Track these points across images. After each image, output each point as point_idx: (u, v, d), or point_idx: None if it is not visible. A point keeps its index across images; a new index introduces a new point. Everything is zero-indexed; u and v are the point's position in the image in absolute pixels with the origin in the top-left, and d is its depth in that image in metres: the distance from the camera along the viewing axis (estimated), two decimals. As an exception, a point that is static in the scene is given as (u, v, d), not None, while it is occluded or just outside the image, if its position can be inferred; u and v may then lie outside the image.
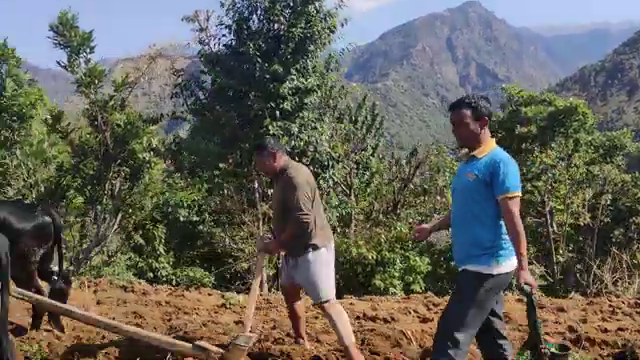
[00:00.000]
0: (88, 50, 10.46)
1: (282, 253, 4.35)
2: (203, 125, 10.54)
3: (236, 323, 5.98)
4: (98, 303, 6.89)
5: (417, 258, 13.38)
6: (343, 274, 13.20)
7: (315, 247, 3.88)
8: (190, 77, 10.62)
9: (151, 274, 13.03)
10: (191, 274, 8.93)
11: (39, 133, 12.33)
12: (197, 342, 4.00)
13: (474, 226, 2.95)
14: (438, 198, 15.32)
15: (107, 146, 11.03)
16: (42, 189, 12.02)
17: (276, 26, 9.30)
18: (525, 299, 3.04)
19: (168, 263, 13.42)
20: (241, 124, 9.68)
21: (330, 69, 10.11)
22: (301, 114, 9.82)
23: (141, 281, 8.47)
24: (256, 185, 10.03)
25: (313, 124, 10.08)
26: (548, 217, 15.37)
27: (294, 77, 9.44)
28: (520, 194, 2.90)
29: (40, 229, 4.35)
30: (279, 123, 9.35)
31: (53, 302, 4.31)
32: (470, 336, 2.94)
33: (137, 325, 5.46)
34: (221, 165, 9.82)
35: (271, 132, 9.26)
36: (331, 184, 10.37)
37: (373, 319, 5.95)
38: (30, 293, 4.18)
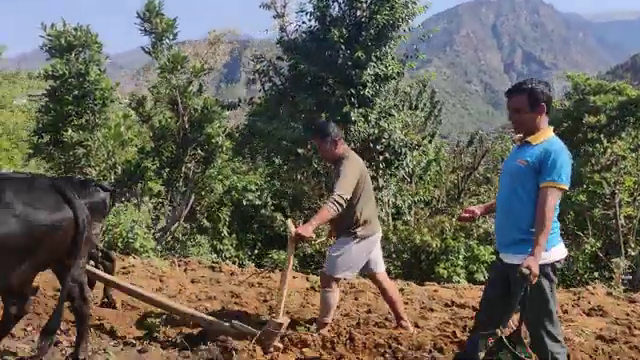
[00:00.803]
0: (171, 36, 10.80)
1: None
2: (278, 111, 10.69)
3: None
4: (192, 282, 7.20)
5: (481, 247, 13.28)
6: (405, 261, 13.25)
7: (354, 236, 4.03)
8: (268, 63, 10.78)
9: (215, 255, 13.44)
10: (275, 257, 9.17)
11: (116, 116, 12.83)
12: (233, 322, 4.07)
13: (519, 211, 2.89)
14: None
15: (185, 130, 11.41)
16: (119, 171, 12.54)
17: (358, 13, 9.31)
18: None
19: (231, 245, 13.80)
20: (319, 110, 9.79)
21: (409, 56, 10.07)
22: (378, 101, 9.86)
23: (227, 262, 8.79)
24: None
25: (388, 111, 10.10)
26: (617, 209, 14.92)
27: (375, 64, 9.46)
28: (565, 187, 2.81)
29: (96, 204, 4.45)
30: (360, 110, 9.42)
31: (107, 276, 4.56)
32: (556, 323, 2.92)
33: (237, 305, 5.70)
34: (300, 151, 9.98)
35: (352, 119, 9.33)
36: (405, 173, 10.39)
37: (462, 306, 6.01)
38: (93, 269, 4.43)
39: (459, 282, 10.70)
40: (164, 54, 10.74)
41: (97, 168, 12.34)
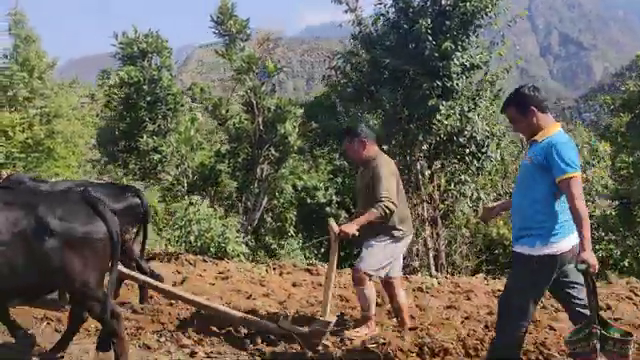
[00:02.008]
0: (245, 37, 10.70)
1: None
2: (355, 107, 10.45)
3: (446, 307, 5.88)
4: (294, 286, 7.04)
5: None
6: (481, 255, 12.85)
7: (391, 237, 4.05)
8: (344, 59, 10.54)
9: (282, 254, 13.33)
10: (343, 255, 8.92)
11: (184, 121, 12.85)
12: (280, 322, 4.14)
13: (527, 207, 3.03)
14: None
15: (260, 131, 11.32)
16: (190, 175, 12.56)
17: (443, 1, 8.95)
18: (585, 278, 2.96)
19: (297, 245, 13.68)
20: (403, 104, 9.49)
21: (495, 43, 9.65)
22: (464, 92, 9.49)
23: (322, 264, 8.62)
24: (419, 167, 9.87)
25: (473, 101, 9.71)
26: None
27: (462, 54, 9.09)
28: (578, 174, 2.88)
29: (131, 209, 4.69)
30: (449, 102, 9.08)
31: (149, 280, 4.58)
32: (528, 312, 3.08)
33: (351, 309, 5.49)
34: (384, 147, 9.70)
35: (442, 112, 9.01)
36: (490, 165, 10.00)
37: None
38: (132, 272, 4.53)
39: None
40: (238, 55, 10.63)
41: (172, 173, 12.41)
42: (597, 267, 2.82)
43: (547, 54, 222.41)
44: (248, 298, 6.18)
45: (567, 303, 3.25)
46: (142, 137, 11.71)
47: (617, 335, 2.89)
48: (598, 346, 2.87)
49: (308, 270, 8.27)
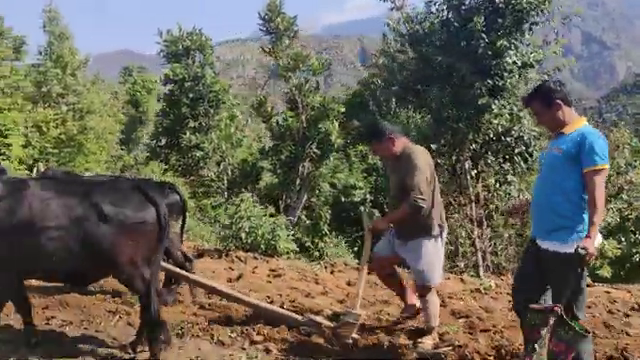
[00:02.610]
0: (292, 35, 10.71)
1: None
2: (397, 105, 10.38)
3: (510, 309, 5.79)
4: (349, 284, 7.00)
5: (604, 241, 12.53)
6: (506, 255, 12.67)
7: (429, 233, 3.88)
8: (389, 57, 10.48)
9: (317, 253, 13.36)
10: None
11: (224, 118, 12.95)
12: (309, 315, 4.18)
13: (556, 199, 2.98)
14: (623, 178, 14.14)
15: (304, 129, 11.34)
16: (229, 171, 12.64)
17: (497, -1, 8.84)
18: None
19: (332, 242, 13.68)
20: (451, 103, 9.40)
21: (548, 42, 9.50)
22: (515, 91, 9.37)
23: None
24: (467, 166, 9.77)
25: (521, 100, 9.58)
26: None
27: (516, 52, 8.97)
28: (607, 167, 2.89)
29: (170, 205, 4.59)
30: (502, 102, 8.97)
31: (183, 272, 4.61)
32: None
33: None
34: (433, 146, 9.63)
35: (494, 111, 8.91)
36: (534, 164, 9.86)
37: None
38: (170, 266, 4.55)
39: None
40: (285, 53, 10.66)
41: (213, 170, 12.51)
42: (594, 257, 2.88)
43: (568, 54, 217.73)
44: (307, 296, 6.15)
45: (540, 293, 3.22)
46: (185, 134, 11.81)
47: (577, 328, 2.90)
48: (551, 322, 2.89)
49: (359, 269, 8.21)
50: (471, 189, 9.62)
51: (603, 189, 2.90)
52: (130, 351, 3.73)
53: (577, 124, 3.03)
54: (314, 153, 11.74)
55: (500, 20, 9.01)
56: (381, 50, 11.03)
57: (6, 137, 14.74)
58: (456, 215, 9.45)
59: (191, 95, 11.86)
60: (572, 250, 2.86)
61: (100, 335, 4.13)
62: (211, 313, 4.97)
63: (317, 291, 6.51)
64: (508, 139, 9.88)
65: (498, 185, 10.26)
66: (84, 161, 24.37)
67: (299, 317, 4.19)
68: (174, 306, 4.95)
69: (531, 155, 10.03)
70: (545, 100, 3.06)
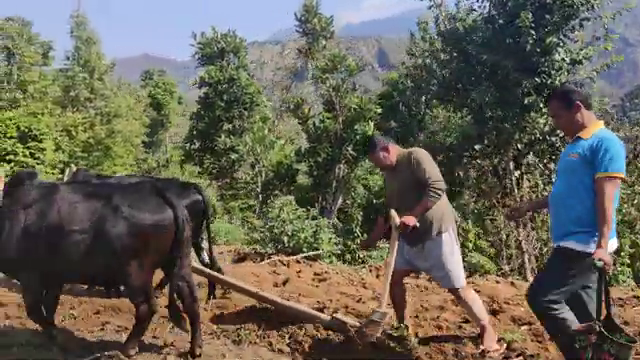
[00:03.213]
0: (328, 35, 10.55)
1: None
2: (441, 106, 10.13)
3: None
4: None
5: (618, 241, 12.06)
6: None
7: (445, 230, 3.83)
8: (430, 56, 10.25)
9: (349, 256, 13.14)
10: (473, 260, 8.66)
11: (257, 120, 12.85)
12: (335, 314, 4.22)
13: (575, 204, 2.91)
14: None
15: (341, 130, 11.17)
16: (263, 174, 12.52)
17: (545, -7, 8.55)
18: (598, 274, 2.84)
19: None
20: (496, 102, 9.12)
21: (598, 37, 9.16)
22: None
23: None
24: (511, 167, 9.49)
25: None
26: None
27: (564, 49, 8.68)
28: (621, 175, 2.80)
29: (193, 205, 4.79)
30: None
31: (214, 274, 4.72)
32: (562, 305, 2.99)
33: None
34: (476, 147, 9.38)
35: (543, 110, 8.62)
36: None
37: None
38: (198, 265, 4.65)
39: (625, 283, 9.70)
40: (322, 54, 10.51)
41: (248, 172, 12.42)
42: (611, 266, 2.80)
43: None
44: (359, 301, 5.98)
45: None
46: (220, 136, 11.74)
47: (622, 341, 2.78)
48: (593, 340, 2.80)
49: (386, 267, 7.97)
50: (516, 190, 9.33)
51: (613, 198, 2.79)
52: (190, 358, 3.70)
53: (595, 127, 2.96)
54: (350, 155, 11.56)
55: (548, 16, 8.72)
56: (409, 50, 10.78)
57: (41, 141, 14.93)
58: (501, 217, 9.17)
59: (225, 97, 11.75)
60: (588, 250, 2.82)
61: (157, 342, 4.05)
62: (261, 316, 4.86)
63: (367, 296, 6.34)
64: (553, 138, 9.57)
65: (543, 186, 9.95)
66: (112, 164, 24.67)
67: (326, 317, 4.23)
68: (227, 310, 4.88)
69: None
70: (565, 101, 2.99)
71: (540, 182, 9.23)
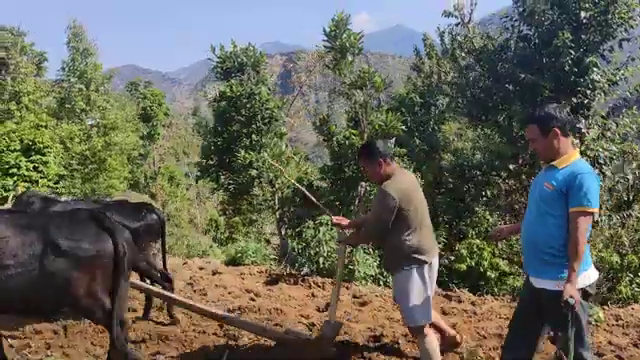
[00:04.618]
0: (357, 51, 10.37)
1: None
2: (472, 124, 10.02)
3: (634, 345, 5.37)
4: (445, 313, 6.57)
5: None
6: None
7: (409, 266, 3.62)
8: (460, 73, 10.16)
9: (383, 277, 12.87)
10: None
11: (274, 135, 12.57)
12: (288, 327, 4.36)
13: (548, 238, 2.88)
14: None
15: (366, 147, 10.94)
16: (282, 191, 12.21)
17: (582, 14, 8.51)
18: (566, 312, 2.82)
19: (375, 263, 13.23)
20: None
21: (633, 59, 9.15)
22: (598, 109, 9.04)
23: (463, 290, 8.16)
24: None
25: (602, 119, 9.25)
26: None
27: (600, 69, 8.65)
28: (595, 210, 2.79)
29: (149, 226, 4.87)
30: (588, 121, 8.62)
31: (162, 291, 4.70)
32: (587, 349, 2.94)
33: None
34: (511, 167, 9.24)
35: (582, 131, 8.56)
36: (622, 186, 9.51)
37: None
38: (141, 283, 4.64)
39: (652, 303, 9.65)
40: (349, 69, 10.31)
41: (268, 189, 12.11)
42: (579, 305, 2.79)
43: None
44: None
45: (537, 334, 3.13)
46: (239, 152, 11.44)
47: None
48: None
49: (447, 296, 7.77)
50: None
51: (585, 234, 2.77)
52: None
53: (571, 157, 2.91)
54: (374, 172, 11.32)
55: (584, 37, 8.69)
56: (414, 66, 10.65)
57: (44, 154, 14.42)
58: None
59: (245, 112, 11.48)
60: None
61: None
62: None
63: None
64: (584, 158, 9.50)
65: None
66: (108, 177, 24.09)
67: (280, 330, 4.37)
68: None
69: (604, 175, 9.65)
70: (543, 126, 2.91)
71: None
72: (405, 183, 3.65)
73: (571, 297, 2.69)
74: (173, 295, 4.85)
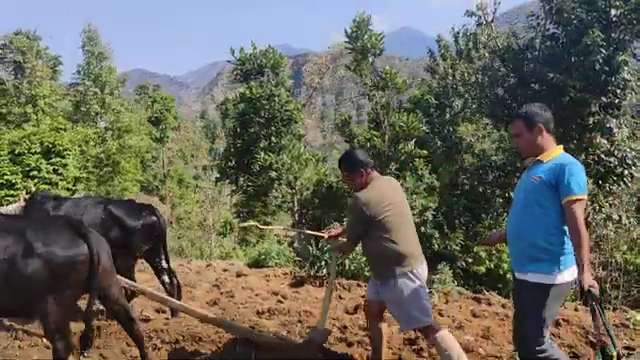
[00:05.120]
0: (378, 52, 10.27)
1: None
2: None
3: None
4: (475, 316, 6.42)
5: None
6: (612, 283, 11.99)
7: (394, 275, 3.50)
8: (481, 73, 10.01)
9: None
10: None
11: (292, 136, 12.48)
12: (278, 332, 4.40)
13: (535, 230, 2.90)
14: None
15: (387, 149, 10.84)
16: (302, 193, 12.11)
17: (613, 12, 8.35)
18: (591, 302, 2.79)
19: None
20: (559, 121, 8.86)
21: (662, 57, 8.98)
22: (627, 109, 8.86)
23: (491, 292, 8.01)
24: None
25: (633, 119, 9.06)
26: None
27: (631, 68, 8.48)
28: (585, 197, 2.81)
29: (149, 227, 4.91)
30: (618, 121, 8.44)
31: (153, 291, 4.59)
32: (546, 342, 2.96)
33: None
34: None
35: (614, 130, 8.38)
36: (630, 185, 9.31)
37: None
38: (133, 282, 4.52)
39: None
40: (370, 70, 10.22)
41: (287, 191, 12.02)
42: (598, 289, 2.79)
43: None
44: (459, 328, 5.64)
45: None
46: (259, 154, 11.36)
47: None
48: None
49: (477, 299, 7.61)
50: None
51: (583, 221, 2.80)
52: None
53: (555, 152, 2.96)
54: (394, 174, 11.21)
55: (614, 35, 8.53)
56: (428, 67, 10.51)
57: (63, 157, 14.45)
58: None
59: (264, 114, 11.40)
60: (557, 282, 2.84)
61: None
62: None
63: (446, 323, 5.96)
64: (611, 159, 9.32)
65: (599, 208, 9.67)
66: (123, 180, 24.17)
67: (269, 335, 4.36)
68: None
69: (632, 177, 9.46)
70: (527, 121, 2.97)
71: (607, 204, 8.96)
72: (378, 190, 3.55)
73: (592, 287, 2.67)
74: (164, 296, 4.77)
